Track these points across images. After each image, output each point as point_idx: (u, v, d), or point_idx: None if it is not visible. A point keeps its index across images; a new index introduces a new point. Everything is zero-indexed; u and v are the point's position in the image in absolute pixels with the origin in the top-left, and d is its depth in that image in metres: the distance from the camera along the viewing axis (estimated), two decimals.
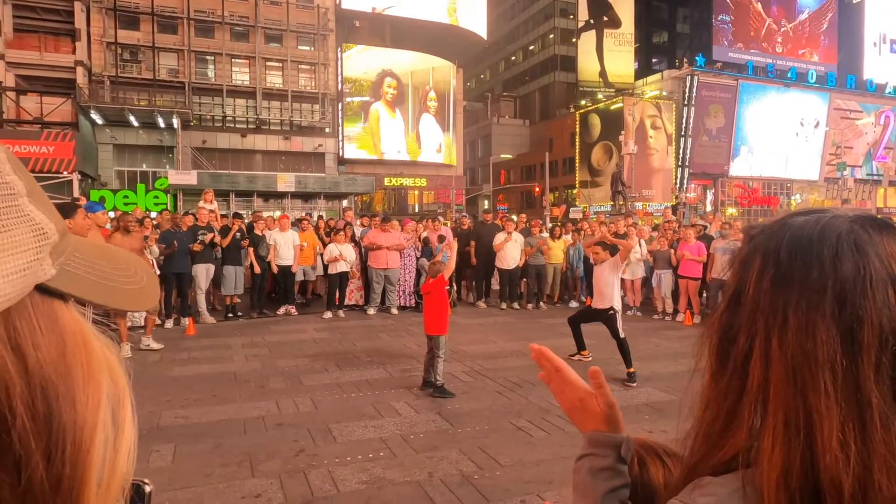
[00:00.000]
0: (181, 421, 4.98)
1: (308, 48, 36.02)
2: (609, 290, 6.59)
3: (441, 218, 13.72)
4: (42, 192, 0.38)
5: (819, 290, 0.57)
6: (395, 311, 10.86)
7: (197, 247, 9.36)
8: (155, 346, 7.65)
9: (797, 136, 44.76)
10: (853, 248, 0.57)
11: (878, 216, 0.63)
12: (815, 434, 0.54)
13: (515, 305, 11.61)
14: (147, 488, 0.47)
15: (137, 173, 32.38)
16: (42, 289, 0.36)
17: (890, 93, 47.23)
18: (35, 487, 0.33)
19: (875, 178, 46.03)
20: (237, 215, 10.65)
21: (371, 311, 10.75)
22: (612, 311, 6.54)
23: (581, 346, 7.17)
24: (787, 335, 0.57)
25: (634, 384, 6.19)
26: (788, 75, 43.86)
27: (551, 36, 57.89)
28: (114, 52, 31.52)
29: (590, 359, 7.10)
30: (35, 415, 0.33)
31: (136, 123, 31.56)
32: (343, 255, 10.38)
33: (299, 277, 11.28)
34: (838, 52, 49.20)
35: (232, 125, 34.94)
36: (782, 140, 43.80)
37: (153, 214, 16.73)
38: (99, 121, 30.89)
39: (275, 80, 35.47)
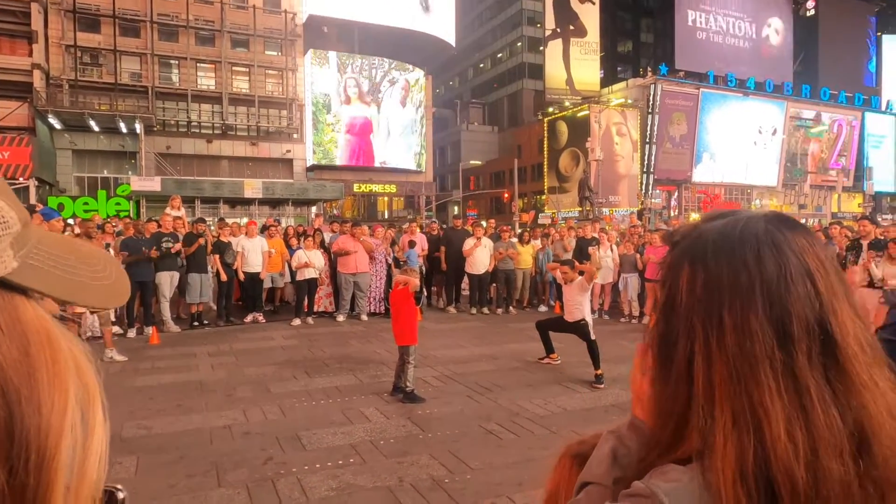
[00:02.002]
0: (144, 432, 4.85)
1: (275, 53, 35.69)
2: (579, 308, 6.73)
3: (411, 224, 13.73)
4: (3, 182, 0.36)
5: (749, 290, 0.60)
6: (364, 317, 10.79)
7: (153, 253, 9.07)
8: (119, 357, 7.39)
9: (755, 144, 46.17)
10: (772, 248, 0.61)
11: (784, 214, 0.68)
12: (763, 427, 0.56)
13: (485, 310, 11.66)
14: (120, 495, 0.44)
15: (98, 179, 31.52)
16: (3, 283, 0.33)
17: (842, 101, 49.16)
18: None
19: (829, 183, 47.77)
20: (200, 220, 10.47)
21: (340, 318, 10.66)
22: (583, 322, 6.69)
23: (549, 350, 7.25)
24: (725, 336, 0.59)
25: (602, 386, 6.29)
26: (747, 84, 45.26)
27: (519, 44, 58.51)
28: (73, 56, 30.68)
29: (558, 362, 7.18)
30: None
31: (96, 128, 30.75)
32: (311, 262, 10.29)
33: (267, 284, 11.13)
34: (794, 63, 51.04)
35: (197, 130, 34.32)
36: (742, 147, 45.13)
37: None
38: (57, 125, 30.00)
39: (241, 84, 35.01)
